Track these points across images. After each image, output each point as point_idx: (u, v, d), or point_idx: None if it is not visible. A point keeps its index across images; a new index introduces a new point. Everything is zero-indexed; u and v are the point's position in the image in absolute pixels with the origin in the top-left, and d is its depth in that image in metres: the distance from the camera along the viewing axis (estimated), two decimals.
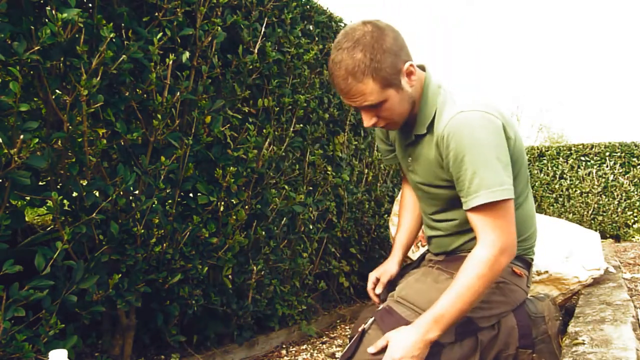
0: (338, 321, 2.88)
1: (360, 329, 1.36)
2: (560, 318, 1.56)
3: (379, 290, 1.58)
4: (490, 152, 1.20)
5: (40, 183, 1.57)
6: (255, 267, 2.11)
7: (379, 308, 1.41)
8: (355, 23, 1.25)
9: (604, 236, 7.79)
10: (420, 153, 1.40)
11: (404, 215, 1.69)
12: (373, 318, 1.37)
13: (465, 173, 1.22)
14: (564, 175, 8.24)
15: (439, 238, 1.51)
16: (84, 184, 1.49)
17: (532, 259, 1.54)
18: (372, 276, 1.62)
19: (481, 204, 1.21)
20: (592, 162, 8.08)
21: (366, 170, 3.09)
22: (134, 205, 1.60)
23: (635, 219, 7.80)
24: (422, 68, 1.37)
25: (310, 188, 2.56)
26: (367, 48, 1.18)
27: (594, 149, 8.11)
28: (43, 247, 1.34)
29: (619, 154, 7.96)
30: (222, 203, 1.94)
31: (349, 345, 1.36)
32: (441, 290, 1.34)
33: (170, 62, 1.64)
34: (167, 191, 1.75)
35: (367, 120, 1.29)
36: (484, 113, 1.23)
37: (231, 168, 1.88)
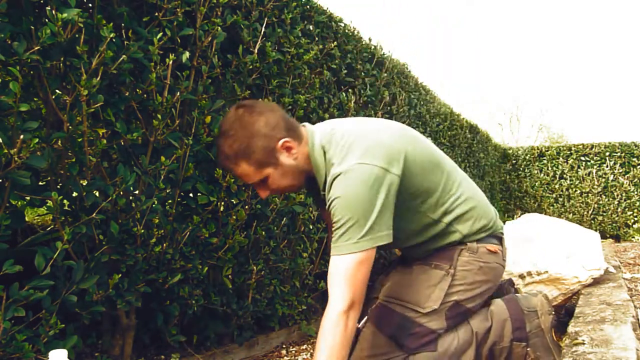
0: None
1: None
2: (553, 312, 1.59)
3: None
4: (357, 206, 1.23)
5: (40, 183, 1.57)
6: (255, 267, 2.11)
7: (372, 307, 1.46)
8: (231, 108, 1.35)
9: (604, 236, 7.79)
10: None
11: None
12: (366, 317, 1.42)
13: (334, 225, 1.26)
14: (564, 175, 8.24)
15: (407, 250, 1.56)
16: (84, 184, 1.49)
17: (502, 233, 1.59)
18: None
19: (337, 254, 1.24)
20: (592, 162, 8.08)
21: None
22: (134, 205, 1.60)
23: (635, 219, 7.80)
24: (312, 137, 1.40)
25: None
26: (237, 134, 1.29)
27: (594, 149, 8.11)
28: (43, 247, 1.33)
29: (619, 154, 7.96)
30: (222, 203, 1.94)
31: None
32: (424, 280, 1.43)
33: (170, 62, 1.64)
34: (167, 191, 1.74)
35: (261, 193, 1.40)
36: (359, 165, 1.25)
37: None
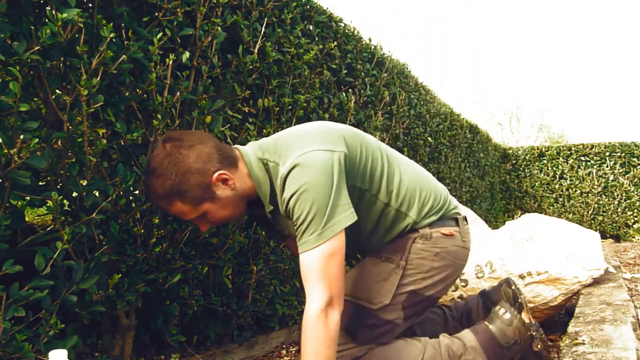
0: None
1: None
2: (535, 331, 1.55)
3: None
4: (315, 195, 1.18)
5: (40, 183, 1.57)
6: (255, 267, 2.11)
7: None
8: (158, 143, 1.27)
9: (604, 236, 7.79)
10: (284, 220, 1.38)
11: None
12: None
13: (296, 224, 1.22)
14: (564, 175, 8.24)
15: (363, 243, 1.49)
16: (84, 184, 1.48)
17: (459, 213, 1.52)
18: None
19: (305, 251, 1.20)
20: (592, 162, 8.08)
21: None
22: (134, 205, 1.60)
23: (635, 219, 7.80)
24: (246, 156, 1.34)
25: None
26: (167, 175, 1.22)
27: (594, 149, 8.11)
28: (43, 247, 1.33)
29: (619, 154, 7.96)
30: None
31: None
32: (374, 275, 1.39)
33: (170, 62, 1.64)
34: None
35: (202, 227, 1.34)
36: (304, 155, 1.21)
37: None
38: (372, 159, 1.38)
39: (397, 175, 1.41)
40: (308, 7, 2.56)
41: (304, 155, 1.22)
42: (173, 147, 1.24)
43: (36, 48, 1.25)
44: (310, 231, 1.19)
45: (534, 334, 1.55)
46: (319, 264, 1.18)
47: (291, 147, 1.27)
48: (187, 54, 1.72)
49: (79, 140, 1.42)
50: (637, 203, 7.79)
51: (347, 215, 1.22)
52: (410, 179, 1.44)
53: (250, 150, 1.35)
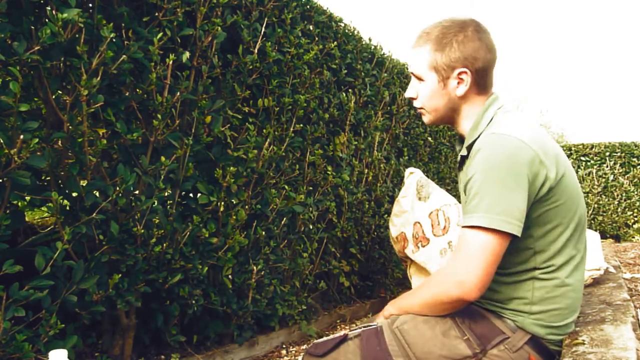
0: (338, 321, 2.88)
1: (343, 333, 1.28)
2: None
3: None
4: (501, 177, 1.10)
5: (40, 183, 1.57)
6: (255, 267, 2.11)
7: (372, 324, 1.30)
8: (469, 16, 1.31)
9: (604, 236, 7.79)
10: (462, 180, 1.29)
11: None
12: (360, 331, 1.28)
13: (470, 191, 1.15)
14: None
15: None
16: (84, 184, 1.49)
17: (560, 347, 1.24)
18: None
19: (469, 225, 1.11)
20: (592, 162, 8.08)
21: (366, 170, 3.09)
22: (134, 205, 1.60)
23: (635, 219, 7.80)
24: (495, 98, 1.32)
25: (310, 188, 2.56)
26: (446, 29, 1.25)
27: (594, 149, 8.11)
28: (43, 247, 1.33)
29: (619, 154, 7.96)
30: (222, 203, 1.94)
31: (326, 339, 1.28)
32: (445, 346, 1.21)
33: (170, 62, 1.64)
34: (167, 191, 1.75)
35: (408, 90, 1.33)
36: (517, 140, 1.13)
37: (231, 168, 1.88)
38: (563, 216, 1.28)
39: (561, 254, 1.28)
40: (308, 7, 2.56)
41: (525, 142, 1.19)
42: (472, 24, 1.27)
43: (36, 48, 1.25)
44: (481, 208, 1.15)
45: None
46: (472, 244, 1.16)
47: (526, 124, 1.25)
48: (187, 54, 1.72)
49: (79, 140, 1.43)
50: (637, 203, 7.79)
51: (511, 223, 1.15)
52: (566, 267, 1.29)
53: (507, 105, 1.34)
